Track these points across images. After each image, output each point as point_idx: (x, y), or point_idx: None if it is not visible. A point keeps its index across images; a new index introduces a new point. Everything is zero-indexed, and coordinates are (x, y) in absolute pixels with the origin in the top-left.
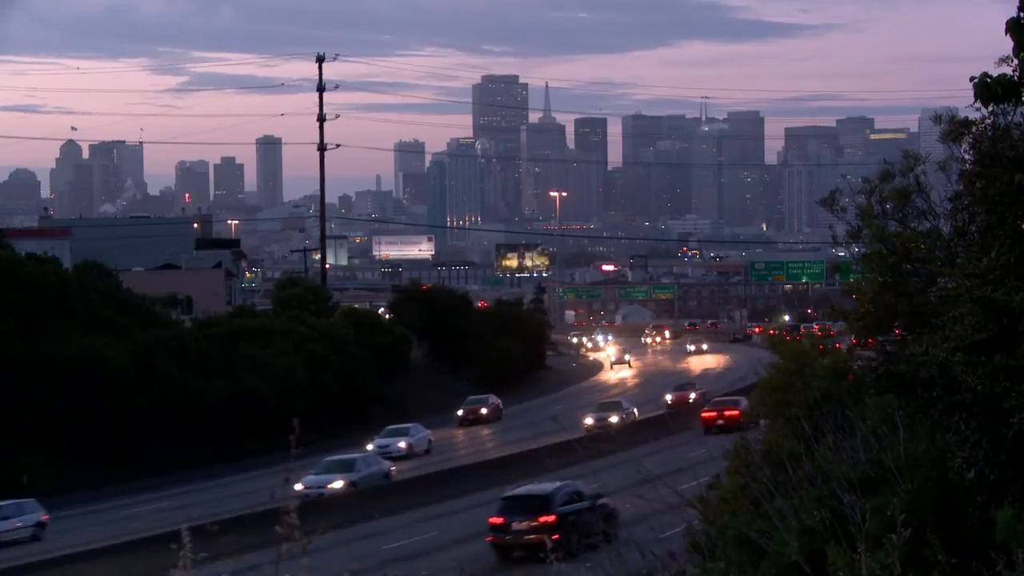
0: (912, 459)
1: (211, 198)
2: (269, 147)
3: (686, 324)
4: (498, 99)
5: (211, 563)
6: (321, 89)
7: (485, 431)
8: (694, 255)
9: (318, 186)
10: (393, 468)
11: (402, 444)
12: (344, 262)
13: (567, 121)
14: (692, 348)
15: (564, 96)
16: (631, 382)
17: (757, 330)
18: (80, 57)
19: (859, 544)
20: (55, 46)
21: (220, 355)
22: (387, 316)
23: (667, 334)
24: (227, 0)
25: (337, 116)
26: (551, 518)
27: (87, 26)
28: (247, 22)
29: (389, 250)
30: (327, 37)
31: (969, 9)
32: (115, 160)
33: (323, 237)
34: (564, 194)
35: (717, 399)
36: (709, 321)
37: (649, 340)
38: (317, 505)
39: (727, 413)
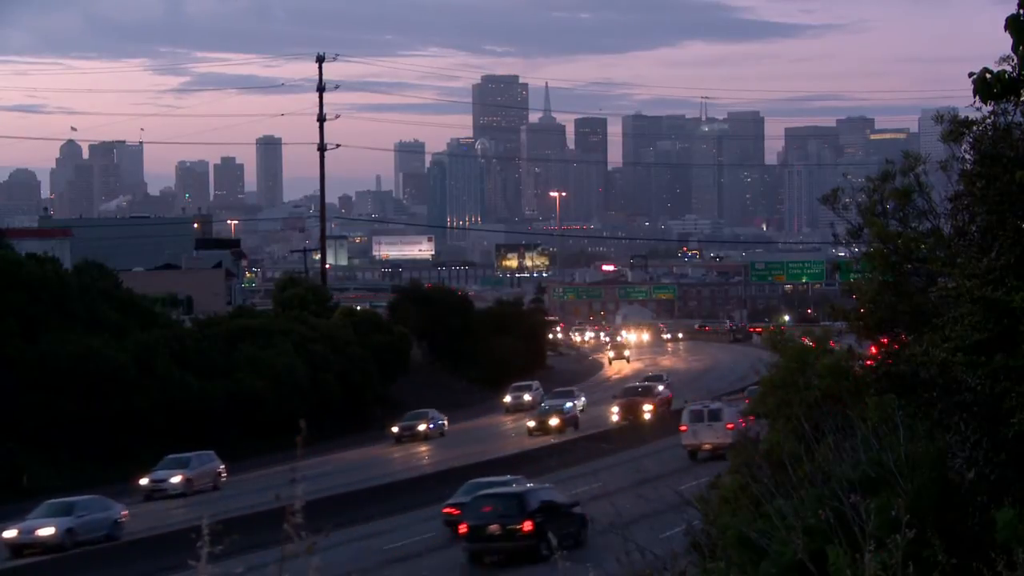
0: (912, 459)
1: (211, 198)
2: (269, 147)
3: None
4: (498, 99)
5: (219, 561)
6: (321, 89)
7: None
8: (694, 255)
9: (318, 186)
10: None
11: (176, 479)
12: (344, 262)
13: (567, 121)
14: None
15: (564, 96)
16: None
17: (758, 330)
18: (81, 57)
19: (862, 544)
20: (56, 46)
21: (220, 355)
22: (385, 315)
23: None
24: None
25: (337, 116)
26: None
27: (90, 26)
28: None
29: (389, 250)
30: (328, 37)
31: (970, 10)
32: (115, 160)
33: (323, 237)
34: (564, 194)
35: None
36: (697, 324)
37: (577, 337)
38: None
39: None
